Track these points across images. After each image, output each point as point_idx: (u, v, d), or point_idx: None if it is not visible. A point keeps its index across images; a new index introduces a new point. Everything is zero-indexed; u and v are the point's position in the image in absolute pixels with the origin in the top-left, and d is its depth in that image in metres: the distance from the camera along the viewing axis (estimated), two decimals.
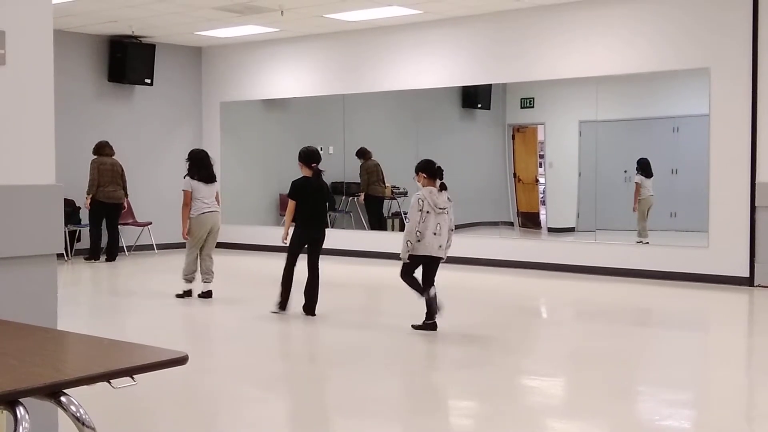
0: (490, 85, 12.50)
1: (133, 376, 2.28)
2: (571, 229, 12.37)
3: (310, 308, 7.82)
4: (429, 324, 7.07)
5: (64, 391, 2.18)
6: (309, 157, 7.88)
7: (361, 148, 13.63)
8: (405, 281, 7.17)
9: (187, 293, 8.92)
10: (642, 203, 11.51)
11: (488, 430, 4.65)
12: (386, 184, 13.65)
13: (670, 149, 11.82)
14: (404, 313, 7.58)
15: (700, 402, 5.39)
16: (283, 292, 7.88)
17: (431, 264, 7.08)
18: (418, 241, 6.94)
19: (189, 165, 8.86)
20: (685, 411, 5.13)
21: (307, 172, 7.85)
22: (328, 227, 8.12)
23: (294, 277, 7.85)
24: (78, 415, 2.22)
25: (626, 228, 11.45)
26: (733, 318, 8.33)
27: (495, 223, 13.19)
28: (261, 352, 6.92)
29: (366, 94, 13.11)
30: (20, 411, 2.12)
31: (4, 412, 2.46)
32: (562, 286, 10.13)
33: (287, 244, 7.93)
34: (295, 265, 7.85)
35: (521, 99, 13.04)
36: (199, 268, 8.92)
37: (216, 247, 9.05)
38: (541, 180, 13.37)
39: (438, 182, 7.01)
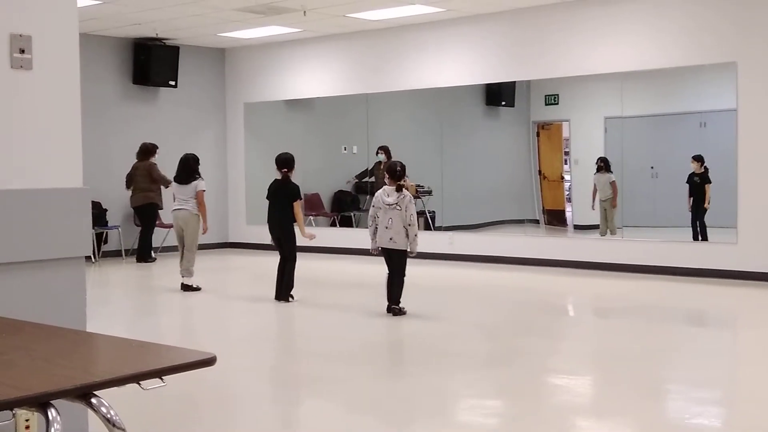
0: (514, 82, 12.45)
1: (163, 377, 2.29)
2: (597, 227, 12.27)
3: (286, 294, 8.73)
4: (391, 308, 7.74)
5: (95, 392, 2.19)
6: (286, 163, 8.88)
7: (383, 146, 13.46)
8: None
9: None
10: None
11: (515, 429, 4.62)
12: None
13: (697, 145, 11.70)
14: (425, 310, 7.56)
15: (730, 400, 5.33)
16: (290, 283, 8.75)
17: (390, 254, 7.77)
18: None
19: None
20: (715, 409, 5.08)
21: (279, 176, 8.79)
22: None
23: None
24: (108, 416, 2.23)
25: (653, 225, 11.35)
26: (762, 315, 8.24)
27: (520, 221, 13.15)
28: (290, 351, 6.93)
29: (389, 93, 13.09)
30: (51, 413, 2.13)
31: (36, 413, 2.48)
32: (588, 284, 10.06)
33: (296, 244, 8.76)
34: None
35: (545, 96, 12.97)
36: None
37: (240, 248, 9.23)
38: (567, 177, 13.29)
39: (395, 183, 7.78)
